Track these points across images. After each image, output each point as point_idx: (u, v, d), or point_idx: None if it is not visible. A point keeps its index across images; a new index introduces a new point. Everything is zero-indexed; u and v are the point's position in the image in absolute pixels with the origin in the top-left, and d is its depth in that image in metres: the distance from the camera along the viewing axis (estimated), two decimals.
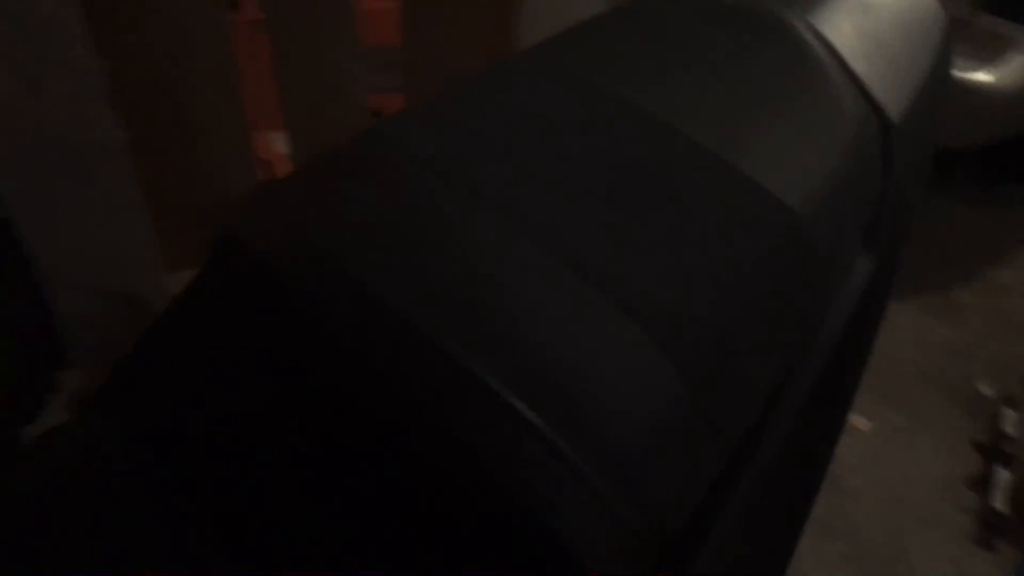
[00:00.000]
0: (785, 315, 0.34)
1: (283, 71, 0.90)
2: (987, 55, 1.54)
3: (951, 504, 1.19)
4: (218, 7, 0.79)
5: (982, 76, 1.50)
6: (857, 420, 1.31)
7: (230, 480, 0.33)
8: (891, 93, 0.44)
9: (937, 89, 0.49)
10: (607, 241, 0.30)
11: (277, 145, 1.08)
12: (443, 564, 0.27)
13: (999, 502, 1.14)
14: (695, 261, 0.31)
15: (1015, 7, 1.64)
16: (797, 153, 0.37)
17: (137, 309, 0.77)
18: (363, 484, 0.28)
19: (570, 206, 0.31)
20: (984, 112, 1.54)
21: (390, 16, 1.01)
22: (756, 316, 0.32)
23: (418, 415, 0.25)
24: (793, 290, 0.34)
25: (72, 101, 0.64)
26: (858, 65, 0.43)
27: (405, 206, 0.30)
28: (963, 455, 1.27)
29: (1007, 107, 1.54)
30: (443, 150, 0.33)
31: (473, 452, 0.24)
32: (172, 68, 0.73)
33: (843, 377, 0.42)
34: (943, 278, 1.63)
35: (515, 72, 0.39)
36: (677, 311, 0.29)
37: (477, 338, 0.26)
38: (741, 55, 0.41)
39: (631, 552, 0.26)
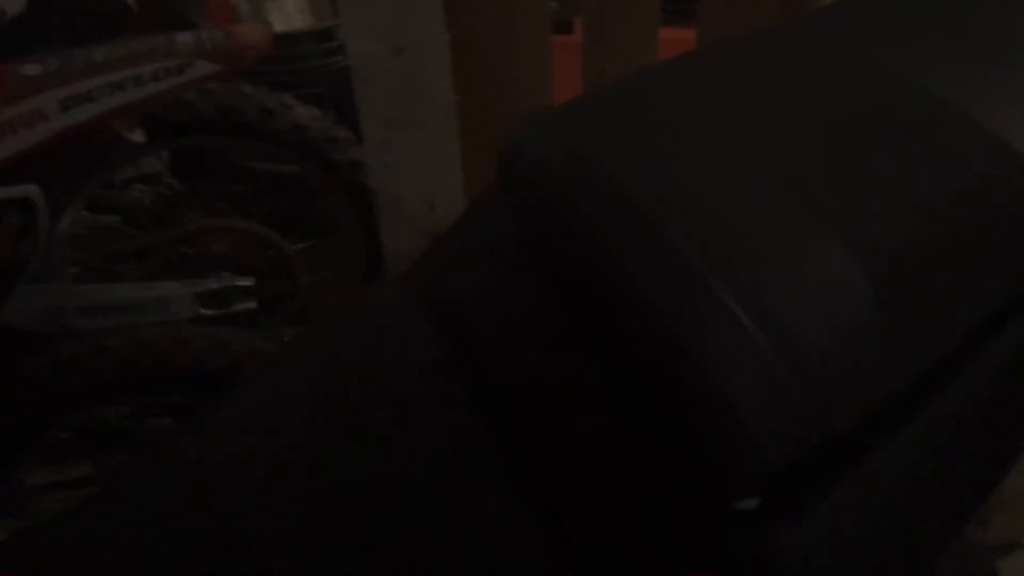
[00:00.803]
0: (996, 257, 0.35)
1: (588, 85, 1.03)
2: None
3: None
4: (544, 16, 0.93)
5: None
6: None
7: (486, 340, 0.41)
8: None
9: None
10: (827, 171, 0.35)
11: None
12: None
13: None
14: (908, 194, 0.34)
15: None
16: None
17: None
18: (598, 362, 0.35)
19: (799, 141, 0.36)
20: None
21: (687, 45, 1.09)
22: (962, 253, 0.34)
23: (650, 304, 0.31)
24: (1010, 235, 0.35)
25: (423, 66, 0.80)
26: None
27: (665, 127, 0.37)
28: None
29: None
30: (688, 87, 0.40)
31: (682, 337, 0.30)
32: (499, 53, 0.88)
33: None
34: None
35: (773, 35, 0.44)
36: (882, 236, 0.33)
37: (706, 242, 0.32)
38: (995, 22, 0.42)
39: (796, 437, 0.30)
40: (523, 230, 0.39)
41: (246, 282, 1.38)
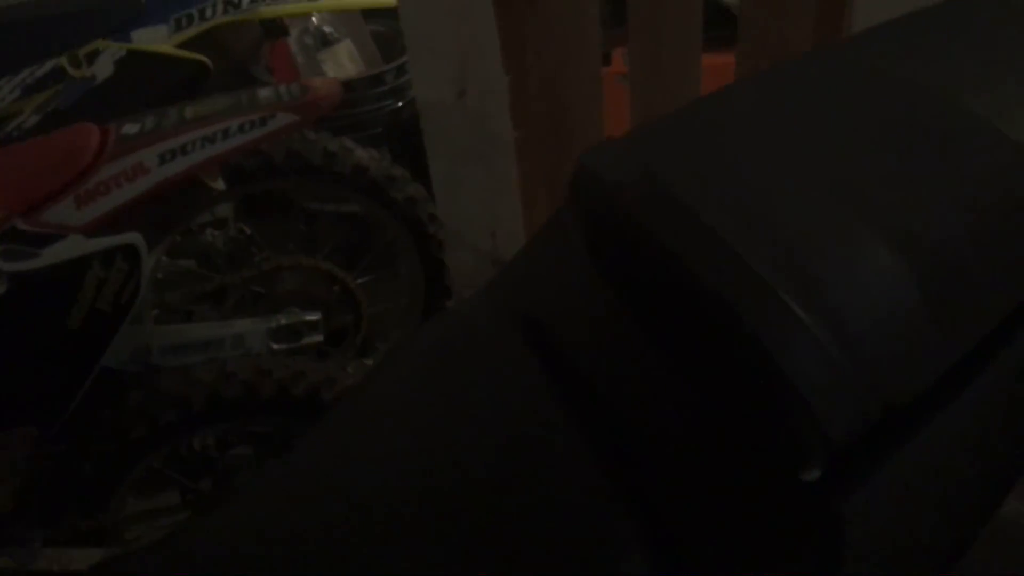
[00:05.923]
0: (1020, 252, 0.41)
1: (635, 115, 1.09)
2: None
3: None
4: (593, 50, 1.00)
5: None
6: None
7: (569, 349, 0.47)
8: None
9: None
10: (874, 180, 0.41)
11: None
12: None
13: None
14: (944, 198, 0.40)
15: None
16: None
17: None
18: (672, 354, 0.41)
19: (845, 154, 0.42)
20: None
21: (726, 69, 1.15)
22: (992, 248, 0.40)
23: (717, 304, 0.37)
24: None
25: (484, 105, 0.87)
26: None
27: (724, 147, 0.44)
28: None
29: None
30: (740, 110, 0.47)
31: (749, 328, 0.36)
32: (555, 90, 0.95)
33: None
34: None
35: (812, 60, 0.51)
36: (922, 235, 0.39)
37: (766, 249, 0.38)
38: (1012, 39, 0.48)
39: (853, 414, 0.36)
40: (595, 244, 0.45)
41: (314, 316, 1.46)
